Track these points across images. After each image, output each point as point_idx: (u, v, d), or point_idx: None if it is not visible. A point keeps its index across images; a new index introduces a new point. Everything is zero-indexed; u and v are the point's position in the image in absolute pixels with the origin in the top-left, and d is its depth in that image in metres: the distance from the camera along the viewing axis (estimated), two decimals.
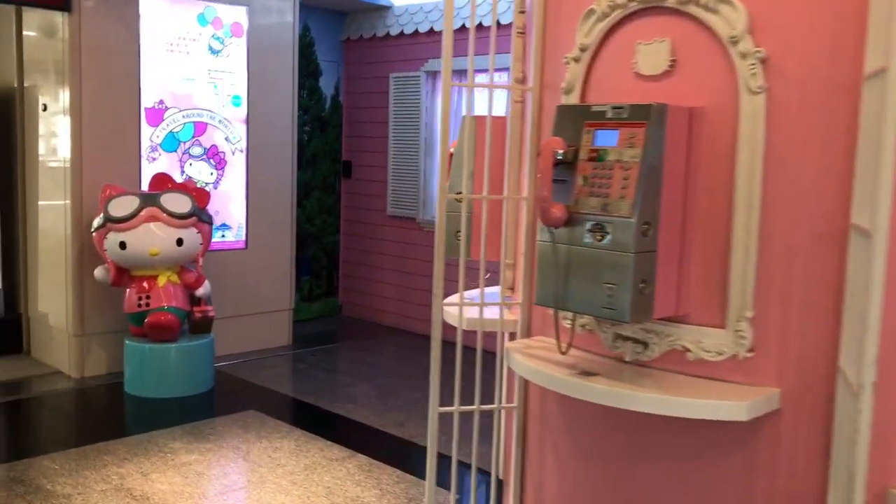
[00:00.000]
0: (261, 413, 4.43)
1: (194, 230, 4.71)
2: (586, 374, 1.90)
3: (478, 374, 2.32)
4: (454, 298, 2.40)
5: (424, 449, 2.39)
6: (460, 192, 2.41)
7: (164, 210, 4.58)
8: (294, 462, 3.79)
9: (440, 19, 6.14)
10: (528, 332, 2.29)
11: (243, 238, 5.68)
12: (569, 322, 2.03)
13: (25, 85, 5.29)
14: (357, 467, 3.75)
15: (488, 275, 2.55)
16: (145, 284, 4.68)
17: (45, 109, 5.10)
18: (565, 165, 1.88)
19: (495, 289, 2.51)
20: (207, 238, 4.85)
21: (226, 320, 5.34)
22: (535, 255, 2.04)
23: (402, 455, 3.95)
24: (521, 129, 2.35)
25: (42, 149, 5.18)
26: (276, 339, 5.97)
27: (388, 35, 6.56)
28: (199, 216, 4.73)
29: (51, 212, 5.14)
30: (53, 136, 5.04)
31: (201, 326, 4.88)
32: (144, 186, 5.11)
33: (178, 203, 4.65)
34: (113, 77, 4.96)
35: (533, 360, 2.01)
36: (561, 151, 1.87)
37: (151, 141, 5.16)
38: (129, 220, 4.52)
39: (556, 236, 1.89)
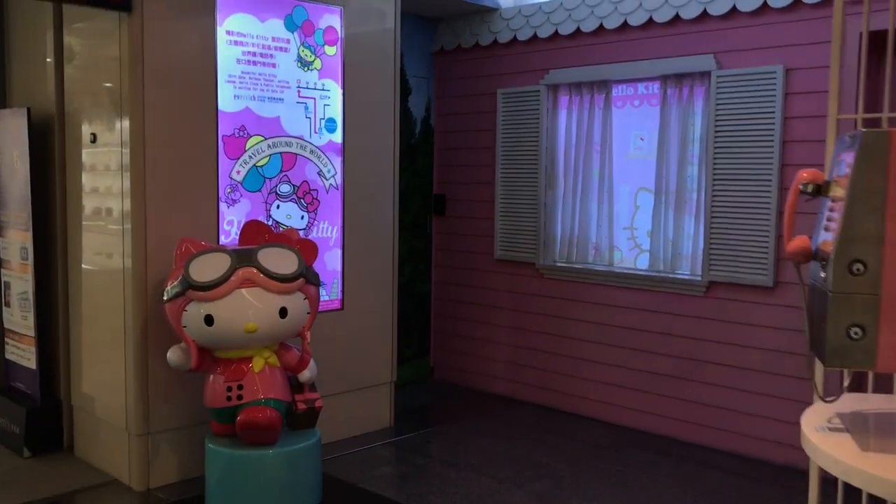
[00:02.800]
0: None
1: (301, 295, 3.53)
2: None
3: None
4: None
5: None
6: (858, 261, 1.68)
7: (262, 271, 3.41)
8: None
9: (565, 21, 5.01)
10: None
11: (339, 297, 4.51)
12: None
13: (67, 110, 4.15)
14: None
15: None
16: (236, 369, 3.50)
17: (94, 141, 3.95)
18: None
19: None
20: (315, 304, 3.67)
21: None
22: None
23: None
24: None
25: (89, 191, 4.02)
26: (376, 420, 4.77)
27: (495, 42, 5.43)
28: (307, 276, 3.56)
29: (102, 273, 3.98)
30: (105, 173, 3.89)
31: (306, 420, 3.69)
32: (223, 238, 3.95)
33: (281, 260, 3.48)
34: (184, 97, 3.81)
35: None
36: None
37: (231, 178, 4.01)
38: (219, 287, 3.34)
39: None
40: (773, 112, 4.14)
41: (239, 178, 4.03)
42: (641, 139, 4.91)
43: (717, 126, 4.36)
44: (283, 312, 3.45)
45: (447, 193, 5.83)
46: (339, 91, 4.41)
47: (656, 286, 4.69)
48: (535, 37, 5.19)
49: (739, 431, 4.37)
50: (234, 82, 3.98)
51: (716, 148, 4.37)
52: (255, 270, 3.40)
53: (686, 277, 4.59)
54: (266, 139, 4.11)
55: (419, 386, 5.78)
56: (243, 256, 3.44)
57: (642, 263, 4.92)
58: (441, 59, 5.80)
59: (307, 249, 3.65)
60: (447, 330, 5.88)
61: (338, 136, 4.43)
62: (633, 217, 4.98)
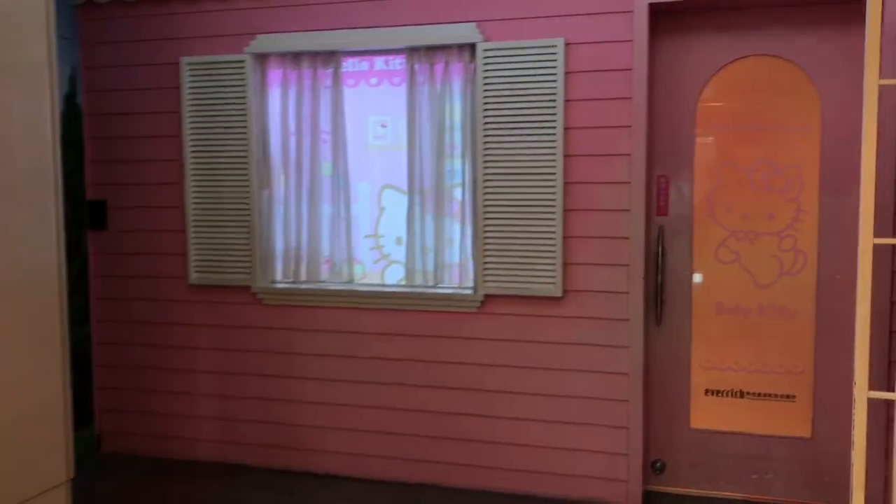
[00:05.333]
0: None
1: None
2: None
3: None
4: None
5: None
6: None
7: None
8: None
9: None
10: None
11: None
12: None
13: None
14: None
15: None
16: None
17: None
18: None
19: None
20: None
21: None
22: None
23: None
24: None
25: None
26: None
27: None
28: None
29: None
30: None
31: None
32: None
33: None
34: None
35: None
36: None
37: None
38: None
39: None
40: (554, 94, 3.54)
41: None
42: (383, 126, 4.00)
43: (485, 110, 3.64)
44: None
45: (108, 199, 4.27)
46: None
47: (415, 305, 3.84)
48: None
49: (530, 469, 3.74)
50: None
51: (486, 137, 3.65)
52: None
53: (453, 292, 3.81)
54: None
55: (82, 465, 4.16)
56: None
57: (393, 277, 4.03)
58: (90, 14, 4.21)
59: None
60: (120, 384, 4.34)
61: None
62: (377, 221, 4.05)
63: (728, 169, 3.63)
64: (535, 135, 3.57)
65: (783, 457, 3.65)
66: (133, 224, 4.22)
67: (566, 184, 3.56)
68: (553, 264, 3.60)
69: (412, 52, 3.79)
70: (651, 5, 3.43)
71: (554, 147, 3.55)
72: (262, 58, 3.99)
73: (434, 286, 3.86)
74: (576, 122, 3.54)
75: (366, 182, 4.03)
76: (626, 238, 3.52)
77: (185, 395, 4.22)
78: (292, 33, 3.90)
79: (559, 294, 3.60)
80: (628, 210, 3.51)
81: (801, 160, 3.54)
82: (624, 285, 3.54)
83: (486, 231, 3.68)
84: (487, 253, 3.69)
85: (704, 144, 3.64)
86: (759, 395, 3.68)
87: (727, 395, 3.72)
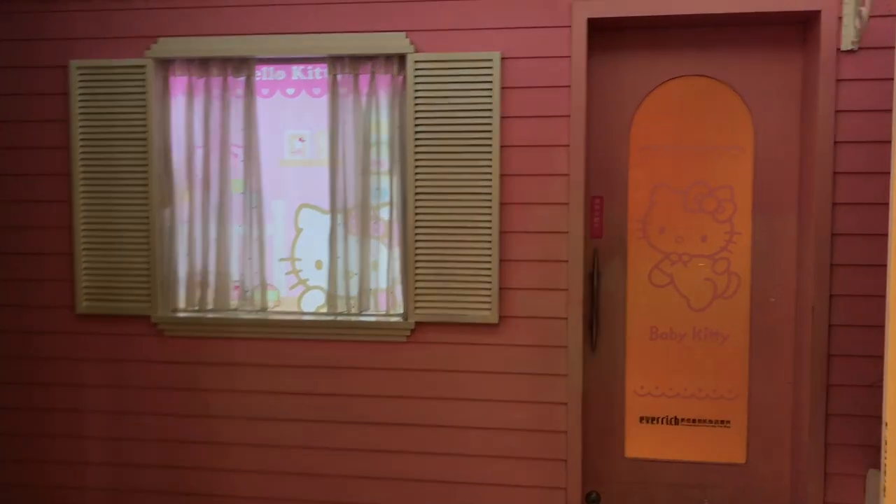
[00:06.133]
0: None
1: None
2: None
3: None
4: None
5: None
6: None
7: None
8: None
9: None
10: None
11: None
12: None
13: None
14: None
15: None
16: None
17: None
18: None
19: None
20: None
21: None
22: None
23: None
24: None
25: None
26: None
27: None
28: None
29: None
30: None
31: None
32: None
33: None
34: None
35: None
36: None
37: None
38: None
39: None
40: (490, 110, 3.35)
41: None
42: (301, 140, 3.69)
43: (417, 126, 3.41)
44: None
45: None
46: None
47: (337, 334, 3.54)
48: None
49: None
50: None
51: (417, 154, 3.41)
52: None
53: (381, 320, 3.54)
54: None
55: None
56: None
57: (311, 304, 3.71)
58: None
59: None
60: None
61: None
62: (293, 243, 3.73)
63: (662, 190, 3.56)
64: (470, 152, 3.37)
65: (718, 484, 3.58)
66: (13, 246, 3.71)
67: (503, 204, 3.38)
68: (489, 289, 3.40)
69: (335, 61, 3.52)
70: (590, 20, 3.31)
71: (490, 166, 3.36)
72: (164, 63, 3.61)
73: (359, 314, 3.58)
74: (513, 140, 3.36)
75: (281, 200, 3.71)
76: (565, 261, 3.37)
77: (70, 438, 3.73)
78: (200, 37, 3.54)
79: (495, 321, 3.40)
80: (567, 232, 3.36)
81: (735, 182, 3.51)
82: (562, 311, 3.38)
83: (417, 254, 3.44)
84: (419, 278, 3.45)
85: (638, 165, 3.55)
86: (694, 421, 3.60)
87: (662, 423, 3.62)
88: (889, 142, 3.11)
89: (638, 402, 3.63)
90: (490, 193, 3.37)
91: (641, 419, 3.63)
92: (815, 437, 3.26)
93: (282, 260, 3.72)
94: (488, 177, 3.36)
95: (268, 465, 3.62)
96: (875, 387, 3.19)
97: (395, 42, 3.41)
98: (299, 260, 3.72)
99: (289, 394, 3.59)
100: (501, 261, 3.39)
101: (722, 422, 3.58)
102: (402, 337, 3.49)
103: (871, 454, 3.20)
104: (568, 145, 3.33)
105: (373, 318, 3.55)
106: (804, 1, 3.16)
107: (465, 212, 3.39)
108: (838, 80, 3.14)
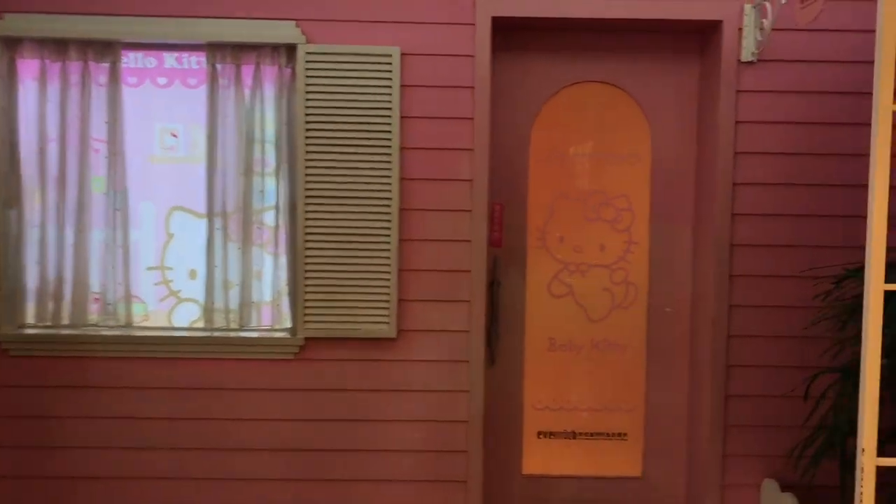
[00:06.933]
0: None
1: None
2: None
3: None
4: None
5: None
6: None
7: None
8: None
9: None
10: None
11: None
12: None
13: None
14: None
15: None
16: None
17: None
18: None
19: None
20: None
21: None
22: None
23: None
24: None
25: None
26: None
27: None
28: None
29: None
30: None
31: None
32: None
33: None
34: None
35: None
36: None
37: None
38: None
39: None
40: (389, 109, 3.12)
41: None
42: (174, 135, 3.31)
43: (308, 123, 3.12)
44: None
45: None
46: None
47: (216, 352, 3.19)
48: None
49: None
50: None
51: (309, 154, 3.13)
52: None
53: (265, 335, 3.22)
54: None
55: None
56: None
57: (184, 318, 3.33)
58: None
59: None
60: None
61: None
62: (163, 250, 3.33)
63: (561, 198, 3.46)
64: (368, 154, 3.13)
65: (615, 498, 3.51)
66: None
67: (402, 210, 3.15)
68: (387, 301, 3.16)
69: (215, 49, 3.17)
70: (494, 19, 3.15)
71: (389, 169, 3.13)
72: (11, 42, 3.13)
73: (240, 329, 3.25)
74: (413, 142, 3.15)
75: (150, 202, 3.31)
76: (468, 271, 3.19)
77: None
78: (55, 15, 3.09)
79: (393, 335, 3.17)
80: (469, 241, 3.18)
81: (633, 191, 3.46)
82: (465, 323, 3.20)
83: (307, 263, 3.15)
84: (309, 289, 3.16)
85: (538, 172, 3.43)
86: (592, 434, 3.52)
87: (560, 437, 3.52)
88: (787, 153, 3.15)
89: (536, 417, 3.50)
90: (389, 198, 3.13)
91: (539, 434, 3.51)
92: (713, 448, 3.24)
93: (150, 269, 3.32)
94: (387, 181, 3.13)
95: (133, 499, 3.20)
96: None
97: (285, 31, 3.12)
98: (170, 269, 3.33)
99: (158, 419, 3.19)
100: (400, 271, 3.16)
101: (619, 434, 3.52)
102: (289, 354, 3.19)
103: (767, 464, 3.22)
104: (471, 149, 3.15)
105: (255, 334, 3.23)
106: (706, 11, 3.14)
107: (361, 218, 3.14)
108: (738, 91, 3.14)
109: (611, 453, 3.52)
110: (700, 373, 3.33)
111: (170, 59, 3.26)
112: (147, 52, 3.24)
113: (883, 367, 1.78)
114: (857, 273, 2.80)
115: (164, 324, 3.33)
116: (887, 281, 1.77)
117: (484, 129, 3.14)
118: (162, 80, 3.27)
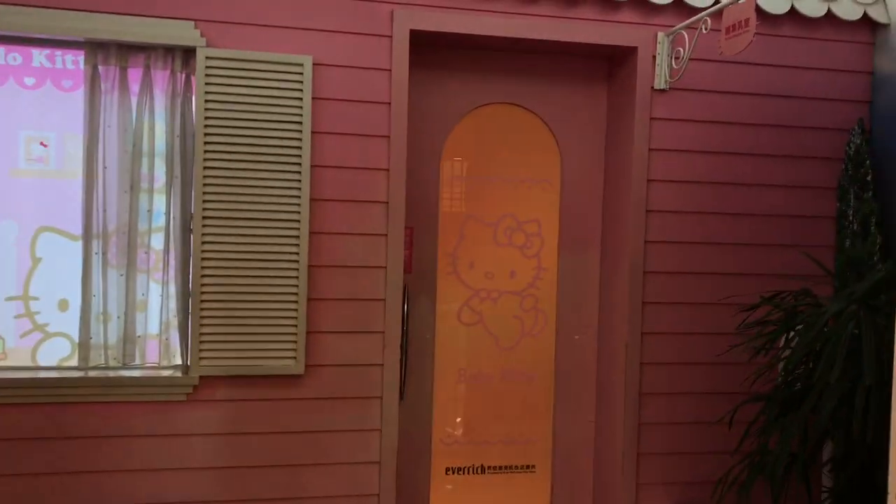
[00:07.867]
0: None
1: None
2: None
3: None
4: None
5: None
6: None
7: None
8: None
9: None
10: None
11: None
12: None
13: None
14: None
15: None
16: None
17: None
18: None
19: None
20: None
21: None
22: None
23: None
24: None
25: None
26: None
27: None
28: None
29: None
30: None
31: None
32: None
33: None
34: None
35: None
36: None
37: None
38: None
39: None
40: (300, 123, 2.86)
41: None
42: (43, 145, 2.86)
43: (207, 135, 2.79)
44: None
45: None
46: None
47: (91, 395, 2.77)
48: None
49: None
50: None
51: (207, 170, 2.80)
52: None
53: (152, 374, 2.83)
54: None
55: None
56: None
57: (51, 356, 2.87)
58: None
59: None
60: None
61: None
62: (27, 278, 2.86)
63: (471, 222, 3.32)
64: (274, 171, 2.84)
65: None
66: None
67: (312, 234, 2.89)
68: (294, 334, 2.88)
69: (95, 47, 2.78)
70: (413, 32, 2.97)
71: (298, 188, 2.86)
72: None
73: (121, 367, 2.84)
74: (325, 160, 2.90)
75: (11, 221, 2.84)
76: (382, 300, 2.97)
77: None
78: None
79: (300, 371, 2.89)
80: (384, 267, 2.97)
81: (543, 216, 3.39)
82: (378, 356, 2.97)
83: (203, 292, 2.80)
84: (205, 321, 2.81)
85: (449, 194, 3.28)
86: (500, 468, 3.39)
87: (468, 473, 3.36)
88: (699, 182, 3.18)
89: (444, 452, 3.33)
90: (297, 220, 2.86)
91: (447, 470, 3.34)
92: (626, 477, 3.20)
93: (10, 299, 2.84)
94: (296, 201, 2.85)
95: None
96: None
97: (181, 31, 2.78)
98: (36, 299, 2.87)
99: (20, 475, 2.72)
100: (309, 300, 2.89)
101: (527, 467, 3.41)
102: (181, 395, 2.82)
103: (678, 491, 3.22)
104: (387, 169, 2.95)
105: (139, 373, 2.83)
106: (620, 37, 3.13)
107: (265, 241, 2.84)
108: (651, 119, 3.14)
109: (519, 486, 3.40)
110: (610, 401, 3.29)
111: (39, 56, 2.82)
112: (10, 47, 2.78)
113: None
114: (771, 301, 2.85)
115: (27, 363, 2.85)
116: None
117: (401, 149, 2.95)
118: (29, 81, 2.83)
